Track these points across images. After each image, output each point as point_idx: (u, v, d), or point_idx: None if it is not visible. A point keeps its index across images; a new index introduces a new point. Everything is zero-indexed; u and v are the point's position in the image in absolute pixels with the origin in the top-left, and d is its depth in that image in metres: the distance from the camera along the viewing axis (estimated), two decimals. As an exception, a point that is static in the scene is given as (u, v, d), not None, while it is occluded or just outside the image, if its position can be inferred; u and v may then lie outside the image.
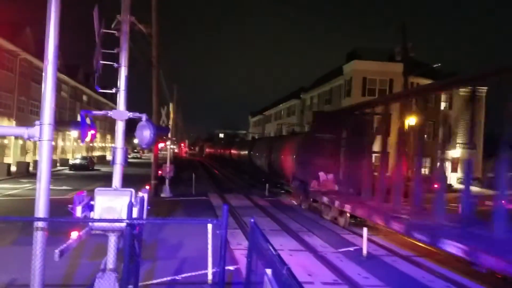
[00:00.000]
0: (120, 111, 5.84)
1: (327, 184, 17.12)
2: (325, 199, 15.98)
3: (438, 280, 8.99)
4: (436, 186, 10.95)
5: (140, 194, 5.37)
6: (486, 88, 35.09)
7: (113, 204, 5.01)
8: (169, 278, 8.05)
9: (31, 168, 32.75)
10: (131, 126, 5.93)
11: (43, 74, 4.13)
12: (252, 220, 5.37)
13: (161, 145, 27.41)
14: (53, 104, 4.12)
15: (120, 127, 5.90)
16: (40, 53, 4.28)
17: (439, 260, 10.25)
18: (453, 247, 8.39)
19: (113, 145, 6.01)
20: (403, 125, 13.34)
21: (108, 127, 66.92)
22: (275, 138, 36.69)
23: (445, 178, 11.11)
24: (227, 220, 4.70)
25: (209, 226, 7.73)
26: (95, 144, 64.59)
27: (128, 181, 6.45)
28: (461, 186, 21.27)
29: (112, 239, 5.27)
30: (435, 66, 31.97)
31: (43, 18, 4.14)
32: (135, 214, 4.98)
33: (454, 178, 37.21)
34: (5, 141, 35.32)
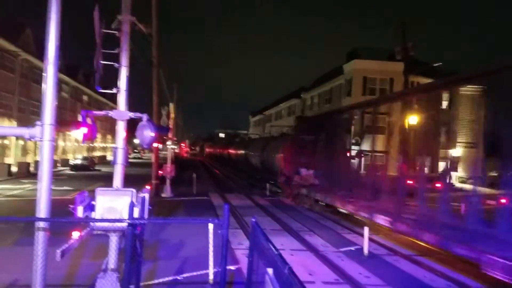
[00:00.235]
0: (121, 111, 5.84)
1: (307, 179, 19.28)
2: (304, 191, 18.95)
3: (440, 279, 8.98)
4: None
5: (141, 194, 5.38)
6: (486, 87, 35.07)
7: (114, 204, 5.01)
8: (170, 278, 8.05)
9: (31, 169, 32.77)
10: (132, 126, 5.93)
11: (44, 74, 4.13)
12: (253, 220, 5.37)
13: (155, 144, 27.32)
14: (54, 104, 4.12)
15: (120, 127, 5.90)
16: (40, 54, 4.28)
17: (441, 259, 10.24)
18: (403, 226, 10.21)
19: (113, 145, 6.01)
20: (388, 125, 15.23)
21: (109, 127, 66.94)
22: (267, 138, 39.68)
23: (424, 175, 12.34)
24: (228, 219, 4.70)
25: (210, 225, 7.72)
26: (95, 145, 64.62)
27: (129, 181, 6.45)
28: (462, 185, 21.57)
29: (114, 239, 5.28)
30: (435, 65, 31.95)
31: (43, 19, 4.14)
32: (136, 214, 4.99)
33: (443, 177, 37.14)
34: (6, 142, 35.35)
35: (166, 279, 8.00)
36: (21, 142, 37.59)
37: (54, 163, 38.60)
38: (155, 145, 22.64)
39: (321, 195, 17.15)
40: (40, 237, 4.02)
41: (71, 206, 4.90)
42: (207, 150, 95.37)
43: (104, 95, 59.44)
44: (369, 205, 13.22)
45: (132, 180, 8.56)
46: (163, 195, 21.96)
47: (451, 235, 9.06)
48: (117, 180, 5.80)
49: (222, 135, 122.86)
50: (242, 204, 19.65)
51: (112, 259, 5.32)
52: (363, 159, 15.79)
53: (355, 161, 15.85)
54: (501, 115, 7.74)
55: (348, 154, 16.54)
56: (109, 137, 71.49)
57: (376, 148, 14.76)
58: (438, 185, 13.90)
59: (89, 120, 5.36)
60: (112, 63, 5.91)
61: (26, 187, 23.76)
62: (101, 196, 5.08)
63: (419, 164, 13.59)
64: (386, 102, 14.80)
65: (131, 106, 6.07)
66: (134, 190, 5.21)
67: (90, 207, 5.09)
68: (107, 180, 7.68)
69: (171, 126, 26.81)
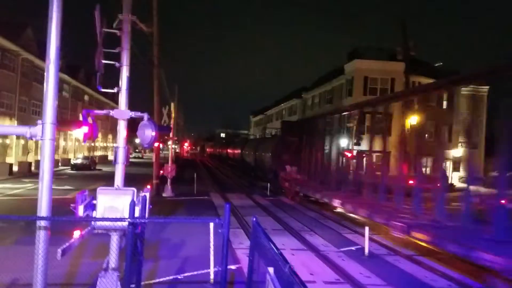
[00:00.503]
0: (122, 111, 5.84)
1: (291, 174, 21.89)
2: (286, 184, 21.93)
3: (440, 279, 8.97)
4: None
5: (142, 193, 5.38)
6: (487, 87, 35.04)
7: (115, 204, 5.02)
8: (171, 277, 8.05)
9: (33, 168, 32.81)
10: (132, 126, 5.93)
11: (45, 73, 4.13)
12: (254, 219, 5.37)
13: (156, 144, 27.42)
14: (55, 103, 4.12)
15: (121, 126, 5.90)
16: (41, 53, 4.29)
17: (441, 259, 10.24)
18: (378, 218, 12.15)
19: (114, 144, 6.02)
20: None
21: (110, 126, 66.99)
22: (260, 139, 44.44)
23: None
24: (229, 219, 4.70)
25: (211, 225, 7.73)
26: (96, 144, 64.66)
27: (130, 180, 6.46)
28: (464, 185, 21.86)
29: (114, 238, 5.28)
30: (436, 65, 31.93)
31: (45, 18, 4.14)
32: (137, 213, 4.99)
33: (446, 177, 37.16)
34: (7, 141, 35.39)
35: (167, 278, 8.01)
36: (22, 141, 37.63)
37: (55, 163, 38.61)
38: (156, 144, 22.67)
39: (300, 187, 20.25)
40: (41, 236, 4.02)
41: (72, 205, 4.90)
42: (208, 150, 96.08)
43: (105, 94, 59.50)
44: (332, 193, 16.80)
45: (133, 180, 8.57)
46: (164, 194, 21.97)
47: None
48: (118, 179, 5.80)
49: (223, 135, 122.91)
50: (243, 204, 19.66)
51: (113, 258, 5.32)
52: (332, 157, 18.66)
53: (326, 159, 18.85)
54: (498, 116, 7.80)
55: (321, 153, 19.25)
56: (110, 136, 71.53)
57: (342, 148, 17.82)
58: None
59: (90, 120, 5.36)
60: (113, 62, 5.91)
61: (27, 186, 23.79)
62: (102, 195, 5.08)
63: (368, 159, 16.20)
64: (348, 111, 17.80)
65: (132, 106, 6.07)
66: (135, 190, 5.21)
67: (91, 206, 5.09)
68: (108, 179, 7.69)
69: (172, 125, 26.83)
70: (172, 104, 27.15)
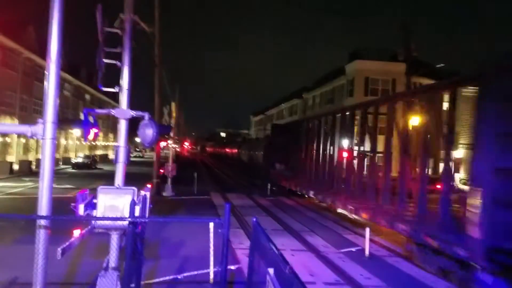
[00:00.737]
0: (123, 110, 5.83)
1: (280, 171, 24.78)
2: (274, 179, 25.00)
3: (440, 281, 8.96)
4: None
5: (142, 192, 5.37)
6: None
7: (115, 203, 5.01)
8: (171, 277, 8.05)
9: (33, 167, 32.84)
10: (133, 125, 5.93)
11: (46, 72, 4.13)
12: (254, 220, 5.36)
13: (162, 143, 27.53)
14: (56, 102, 4.12)
15: (122, 125, 5.89)
16: (43, 52, 4.28)
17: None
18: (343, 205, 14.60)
19: (115, 144, 6.01)
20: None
21: (111, 126, 67.05)
22: (254, 140, 50.05)
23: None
24: (229, 219, 4.69)
25: (211, 225, 7.72)
26: (97, 143, 64.71)
27: (131, 179, 6.45)
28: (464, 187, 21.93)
29: (115, 238, 5.27)
30: (438, 66, 31.90)
31: (46, 17, 4.14)
32: (137, 212, 4.98)
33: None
34: (8, 140, 35.42)
35: (167, 278, 8.00)
36: (22, 140, 37.67)
37: (56, 161, 38.55)
38: (162, 144, 22.71)
39: (285, 182, 22.92)
40: (41, 235, 4.02)
41: (73, 204, 4.90)
42: (208, 149, 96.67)
43: (106, 94, 59.54)
44: (309, 186, 19.50)
45: (133, 179, 8.56)
46: (164, 194, 21.97)
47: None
48: (119, 178, 5.79)
49: (223, 134, 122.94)
50: (243, 204, 19.65)
51: (113, 258, 5.31)
52: (313, 155, 20.38)
53: (308, 157, 20.83)
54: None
55: (305, 152, 21.56)
56: (111, 135, 71.58)
57: (322, 148, 19.30)
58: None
59: (91, 119, 5.35)
60: (114, 61, 5.90)
61: (28, 185, 23.81)
62: (103, 195, 5.07)
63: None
64: (329, 115, 19.40)
65: (133, 105, 6.07)
66: (135, 189, 5.20)
67: (92, 206, 5.08)
68: (108, 178, 7.69)
69: (173, 125, 26.84)
70: (173, 104, 27.16)
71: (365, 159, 14.37)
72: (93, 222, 4.97)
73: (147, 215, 5.34)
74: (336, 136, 17.36)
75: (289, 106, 58.17)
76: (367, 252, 10.63)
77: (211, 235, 7.66)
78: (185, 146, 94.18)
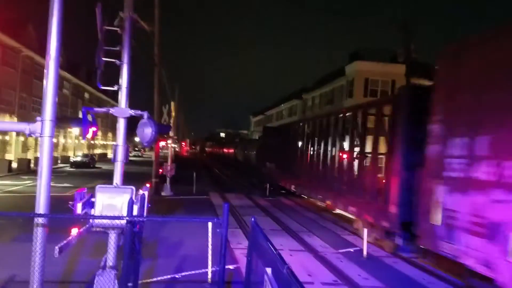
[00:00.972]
0: (122, 109, 5.82)
1: (270, 169, 26.79)
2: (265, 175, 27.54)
3: (439, 282, 8.97)
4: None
5: (141, 191, 5.36)
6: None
7: (113, 202, 5.00)
8: (169, 277, 8.04)
9: (32, 165, 32.80)
10: (132, 124, 5.92)
11: (45, 70, 4.12)
12: (252, 219, 5.36)
13: (162, 143, 27.54)
14: (55, 100, 4.11)
15: (121, 124, 5.88)
16: (42, 50, 4.27)
17: (441, 264, 10.22)
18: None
19: (114, 143, 6.00)
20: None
21: (110, 124, 67.02)
22: (248, 140, 51.84)
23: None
24: (227, 219, 4.68)
25: (210, 224, 7.71)
26: (96, 142, 64.66)
27: (129, 179, 6.45)
28: None
29: (112, 237, 5.26)
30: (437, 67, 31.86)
31: (46, 15, 4.13)
32: (135, 211, 4.97)
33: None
34: (7, 138, 35.38)
35: (165, 277, 7.99)
36: (21, 138, 37.61)
37: (55, 160, 38.61)
38: (161, 144, 22.68)
39: (275, 178, 25.26)
40: (39, 233, 4.01)
41: (71, 202, 4.88)
42: (207, 149, 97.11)
43: (105, 92, 59.51)
44: (292, 181, 21.83)
45: (132, 178, 8.57)
46: (163, 193, 21.95)
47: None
48: (117, 177, 5.78)
49: (223, 134, 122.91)
50: (241, 204, 19.66)
51: (110, 257, 5.30)
52: (298, 155, 22.00)
53: (294, 157, 22.69)
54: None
55: (292, 152, 23.14)
56: (110, 134, 71.54)
57: (304, 148, 21.03)
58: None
59: (89, 117, 5.34)
60: (113, 60, 5.89)
61: (26, 183, 23.78)
62: (101, 193, 5.06)
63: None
64: (310, 121, 21.81)
65: (132, 104, 6.06)
66: (133, 188, 5.19)
67: (90, 204, 5.07)
68: (107, 177, 7.68)
69: (172, 124, 26.82)
70: (172, 103, 27.14)
71: (332, 158, 16.82)
72: (91, 220, 4.95)
73: (145, 214, 5.33)
74: (316, 139, 19.03)
75: (289, 107, 58.16)
76: (365, 253, 10.64)
77: (210, 234, 7.65)
78: (184, 146, 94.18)
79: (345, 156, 15.35)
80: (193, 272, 8.35)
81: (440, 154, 8.70)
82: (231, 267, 8.69)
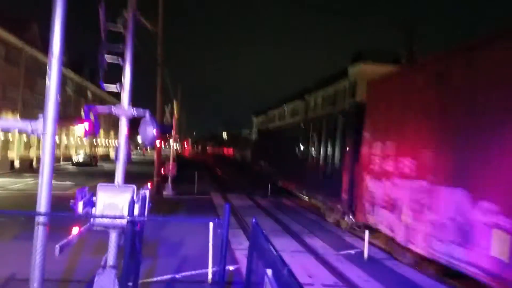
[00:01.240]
0: (124, 108, 5.82)
1: (263, 167, 30.14)
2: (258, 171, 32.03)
3: (440, 285, 8.93)
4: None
5: (142, 191, 5.35)
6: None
7: (115, 201, 4.99)
8: (169, 276, 8.04)
9: (34, 163, 32.88)
10: (135, 124, 5.91)
11: (48, 68, 4.11)
12: (253, 220, 5.34)
13: (163, 143, 27.62)
14: (58, 98, 4.10)
15: (123, 124, 5.87)
16: (46, 49, 4.26)
17: (441, 269, 10.17)
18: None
19: (116, 142, 5.99)
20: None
21: (112, 124, 67.11)
22: (245, 141, 56.83)
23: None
24: (228, 219, 4.67)
25: (211, 225, 7.71)
26: (98, 141, 64.77)
27: (131, 178, 6.44)
28: None
29: (113, 236, 5.26)
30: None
31: (50, 14, 4.12)
32: (136, 211, 4.96)
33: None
34: (9, 136, 35.46)
35: (165, 277, 7.99)
36: (24, 137, 37.70)
37: (57, 158, 38.73)
38: (157, 143, 22.68)
39: (266, 175, 28.36)
40: (40, 232, 3.99)
41: (72, 201, 4.88)
42: (209, 149, 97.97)
43: (108, 92, 59.48)
44: (281, 177, 24.74)
45: (134, 178, 8.55)
46: (164, 193, 21.96)
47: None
48: (119, 176, 5.77)
49: (225, 134, 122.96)
50: (243, 204, 19.65)
51: (111, 256, 5.29)
52: (286, 155, 24.30)
53: (283, 156, 25.14)
54: None
55: (282, 152, 25.52)
56: (112, 133, 71.66)
57: (290, 149, 23.19)
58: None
59: (91, 115, 5.34)
60: (116, 59, 5.88)
61: (28, 181, 23.84)
62: (102, 192, 5.05)
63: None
64: (294, 127, 25.75)
65: (135, 103, 6.04)
66: (135, 187, 5.18)
67: (91, 203, 5.06)
68: (108, 176, 7.69)
69: (174, 124, 26.83)
70: (174, 103, 27.15)
71: (305, 157, 19.60)
72: (91, 219, 4.95)
73: (146, 214, 5.32)
74: (295, 142, 21.85)
75: (291, 108, 58.13)
76: (366, 255, 10.61)
77: (210, 235, 7.65)
78: (186, 146, 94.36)
79: (313, 155, 18.73)
80: (193, 272, 8.34)
81: (367, 153, 11.87)
82: (231, 267, 8.68)
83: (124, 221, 4.75)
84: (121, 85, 5.90)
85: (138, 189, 5.26)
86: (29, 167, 31.88)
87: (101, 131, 63.45)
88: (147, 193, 5.34)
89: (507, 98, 6.62)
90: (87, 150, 53.45)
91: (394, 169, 10.00)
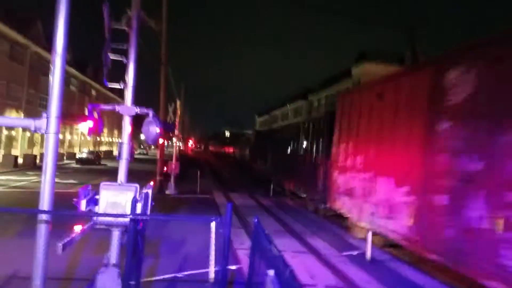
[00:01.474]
0: (128, 106, 5.82)
1: (259, 166, 32.33)
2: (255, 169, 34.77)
3: (443, 287, 8.89)
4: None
5: (145, 189, 5.36)
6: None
7: (117, 199, 4.99)
8: (171, 275, 8.04)
9: (38, 161, 33.00)
10: (138, 122, 5.91)
11: (51, 66, 4.12)
12: (255, 220, 5.33)
13: (166, 141, 27.69)
14: (61, 96, 4.10)
15: (127, 122, 5.87)
16: (50, 47, 4.26)
17: (444, 270, 10.13)
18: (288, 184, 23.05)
19: (119, 140, 6.00)
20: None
21: (116, 122, 67.29)
22: (244, 141, 59.41)
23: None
24: (230, 218, 4.67)
25: (212, 224, 7.69)
26: (102, 139, 64.95)
27: (134, 176, 6.44)
28: None
29: (116, 234, 5.26)
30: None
31: (54, 11, 4.12)
32: (139, 209, 4.96)
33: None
34: (13, 133, 35.60)
35: (167, 276, 7.99)
36: (28, 134, 37.85)
37: (61, 156, 38.83)
38: (160, 141, 22.71)
39: (262, 172, 31.04)
40: (42, 230, 4.00)
41: (75, 199, 4.88)
42: (211, 148, 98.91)
43: (112, 90, 59.72)
44: (274, 174, 26.61)
45: (137, 176, 8.56)
46: (167, 191, 21.99)
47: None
48: (122, 175, 5.77)
49: (227, 133, 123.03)
50: (245, 204, 19.64)
51: (113, 254, 5.30)
52: (281, 155, 25.75)
53: (277, 155, 26.78)
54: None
55: (277, 152, 27.10)
56: (115, 132, 71.84)
57: (283, 149, 24.79)
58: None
59: (95, 114, 5.35)
60: (120, 58, 5.89)
61: (31, 179, 23.92)
62: (105, 191, 5.06)
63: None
64: (287, 128, 27.49)
65: (139, 103, 6.05)
66: (137, 186, 5.19)
67: (94, 201, 5.07)
68: (112, 174, 7.69)
69: (177, 123, 26.86)
70: (177, 102, 27.18)
71: (295, 156, 21.51)
72: (94, 218, 4.95)
73: (148, 212, 5.32)
74: (288, 142, 23.48)
75: (294, 108, 58.09)
76: (368, 256, 10.57)
77: (212, 234, 7.63)
78: (189, 145, 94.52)
79: (301, 154, 20.68)
80: (195, 271, 8.34)
81: (335, 152, 14.13)
82: (233, 267, 8.67)
83: (126, 220, 4.75)
84: (125, 84, 5.91)
85: (140, 187, 5.26)
86: (33, 164, 32.00)
87: (105, 129, 63.63)
88: (150, 192, 5.35)
89: (416, 111, 9.19)
90: (91, 148, 53.59)
91: (352, 164, 12.62)
